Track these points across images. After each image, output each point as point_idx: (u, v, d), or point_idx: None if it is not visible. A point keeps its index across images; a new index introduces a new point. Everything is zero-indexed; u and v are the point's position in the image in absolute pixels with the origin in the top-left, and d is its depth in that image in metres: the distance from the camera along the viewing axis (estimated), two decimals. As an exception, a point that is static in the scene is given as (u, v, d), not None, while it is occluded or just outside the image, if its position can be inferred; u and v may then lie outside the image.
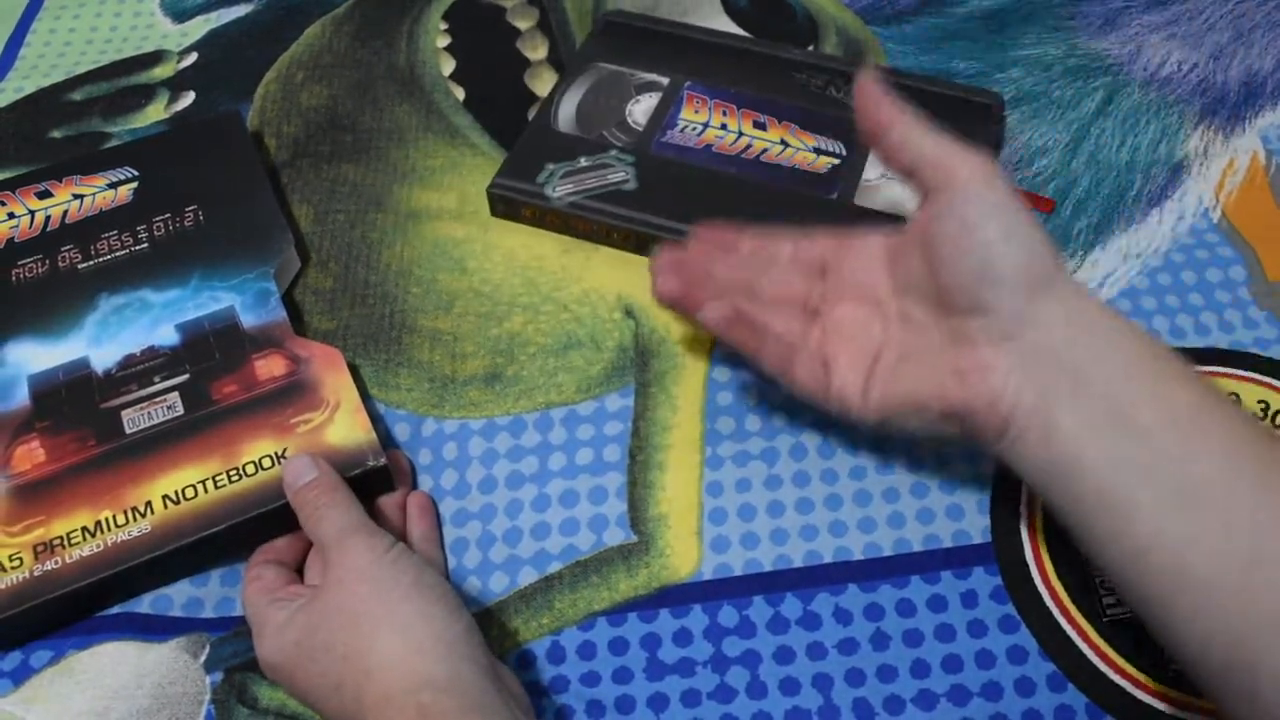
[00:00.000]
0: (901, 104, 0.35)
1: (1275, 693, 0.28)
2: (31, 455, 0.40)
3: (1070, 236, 0.48)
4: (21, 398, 0.42)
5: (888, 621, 0.38)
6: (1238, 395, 0.43)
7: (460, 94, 0.56)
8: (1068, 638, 0.38)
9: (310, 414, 0.40)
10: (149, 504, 0.39)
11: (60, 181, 0.49)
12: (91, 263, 0.46)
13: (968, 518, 0.40)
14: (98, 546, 0.38)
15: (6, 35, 0.61)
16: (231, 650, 0.38)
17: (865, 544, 0.40)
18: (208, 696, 0.38)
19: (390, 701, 0.31)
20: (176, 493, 0.39)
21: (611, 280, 0.47)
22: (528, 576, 0.40)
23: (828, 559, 0.39)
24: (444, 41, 0.59)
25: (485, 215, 0.50)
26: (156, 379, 0.42)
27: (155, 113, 0.56)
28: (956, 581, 0.39)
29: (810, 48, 0.57)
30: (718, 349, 0.45)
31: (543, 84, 0.56)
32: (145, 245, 0.46)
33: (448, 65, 0.58)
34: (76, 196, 0.48)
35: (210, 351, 0.43)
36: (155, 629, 0.39)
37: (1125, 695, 0.36)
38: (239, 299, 0.45)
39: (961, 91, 0.51)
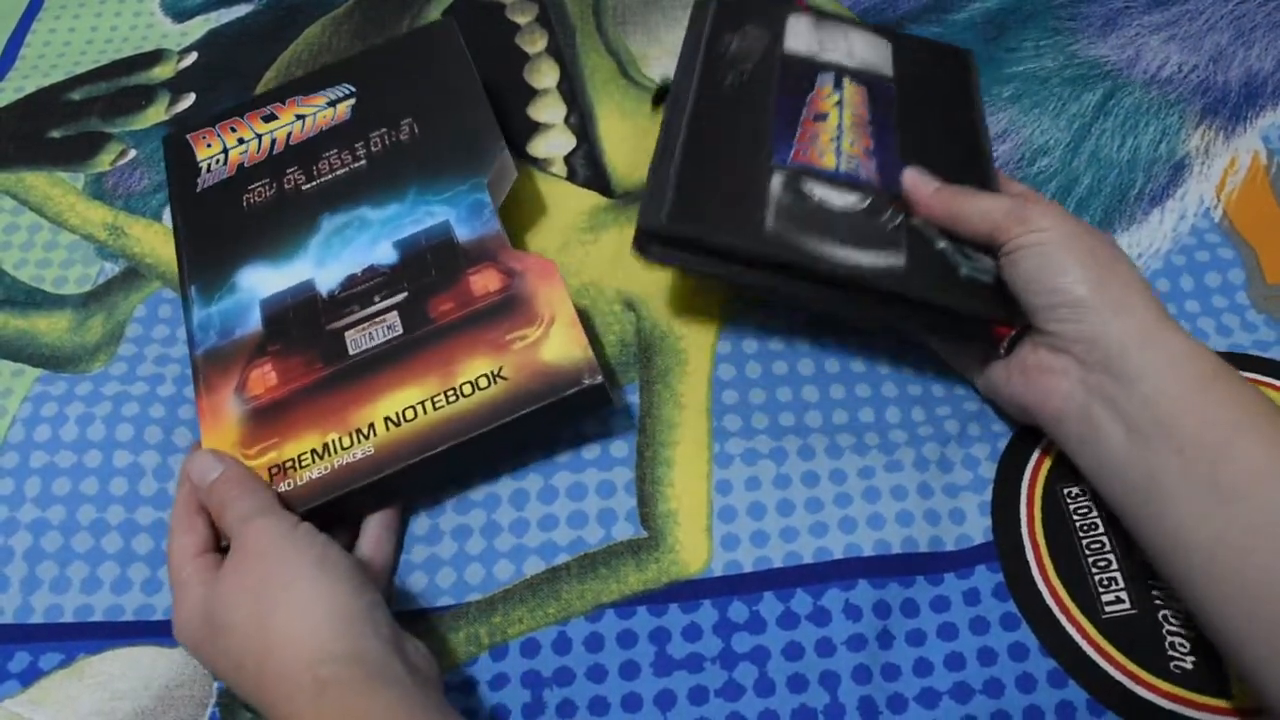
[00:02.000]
0: (946, 186, 0.41)
1: None
2: (265, 379, 0.41)
3: (1070, 236, 0.49)
4: (255, 322, 0.43)
5: (893, 620, 0.38)
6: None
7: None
8: (1068, 635, 0.38)
9: (526, 330, 0.40)
10: (371, 426, 0.39)
11: (284, 104, 0.50)
12: (314, 183, 0.46)
13: (970, 519, 0.41)
14: (326, 469, 0.39)
15: (6, 35, 0.61)
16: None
17: (875, 541, 0.40)
18: (213, 700, 0.38)
19: (287, 677, 0.32)
20: (397, 414, 0.39)
21: (611, 275, 0.48)
22: (534, 566, 0.40)
23: (838, 555, 0.40)
24: (444, 41, 0.59)
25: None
26: (376, 299, 0.42)
27: (155, 114, 0.56)
28: (959, 581, 0.39)
29: None
30: (720, 346, 0.45)
31: (542, 77, 0.56)
32: (363, 162, 0.47)
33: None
34: (299, 117, 0.49)
35: (427, 268, 0.43)
36: (168, 634, 0.39)
37: (1125, 691, 0.37)
38: (453, 212, 0.44)
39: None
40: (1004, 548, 0.40)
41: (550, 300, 0.41)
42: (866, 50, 0.50)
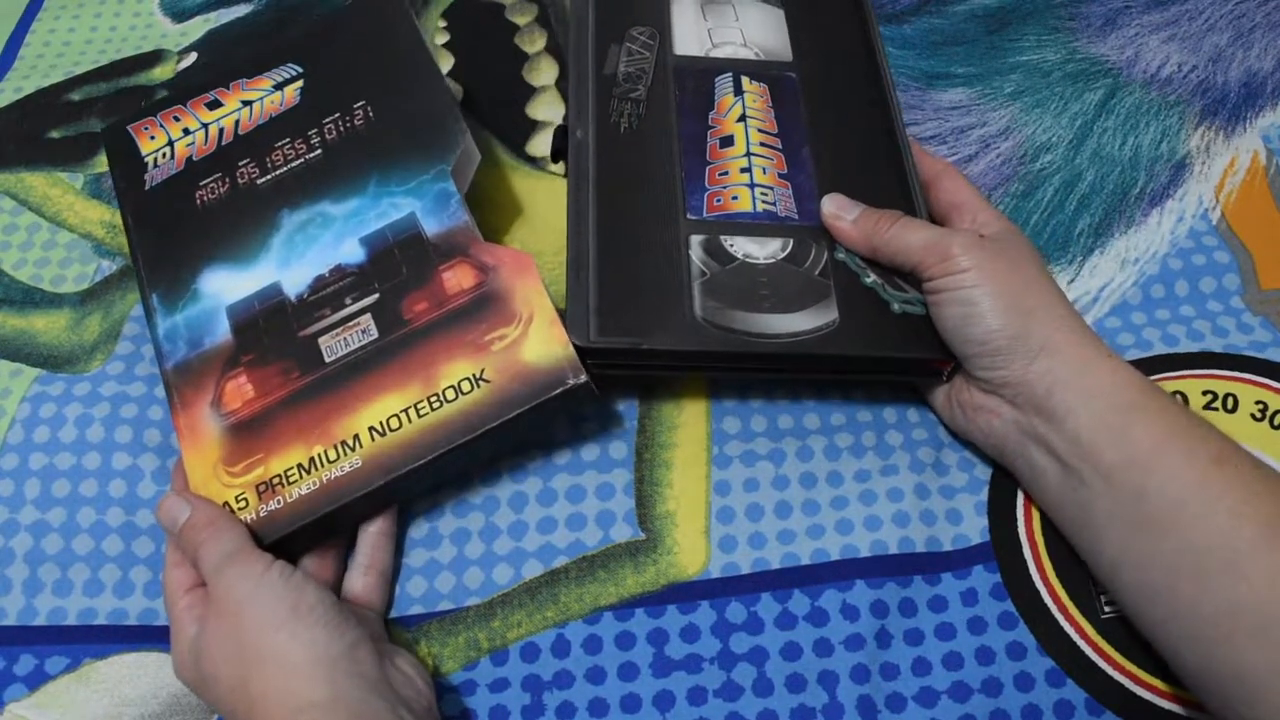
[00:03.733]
0: (865, 214, 0.41)
1: (1237, 684, 0.31)
2: (241, 391, 0.40)
3: (1072, 238, 0.49)
4: (224, 331, 0.42)
5: (891, 619, 0.38)
6: (1235, 396, 0.43)
7: (459, 91, 0.56)
8: (1066, 634, 0.38)
9: (504, 329, 0.39)
10: (357, 437, 0.38)
11: (228, 88, 0.48)
12: (269, 177, 0.45)
13: (967, 519, 0.41)
14: (315, 484, 0.38)
15: (6, 35, 0.61)
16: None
17: (872, 542, 0.40)
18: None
19: None
20: (382, 424, 0.38)
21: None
22: (533, 569, 0.40)
23: (835, 557, 0.40)
24: (443, 39, 0.59)
25: (479, 211, 0.50)
26: (348, 300, 0.41)
27: (155, 112, 0.56)
28: (956, 581, 0.39)
29: None
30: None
31: (540, 75, 0.56)
32: (319, 152, 0.45)
33: (446, 62, 0.58)
34: (245, 103, 0.47)
35: (397, 267, 0.41)
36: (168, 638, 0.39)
37: (1123, 690, 0.37)
38: (418, 204, 0.42)
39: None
40: (1001, 547, 0.40)
41: (528, 296, 0.40)
42: (760, 29, 0.48)
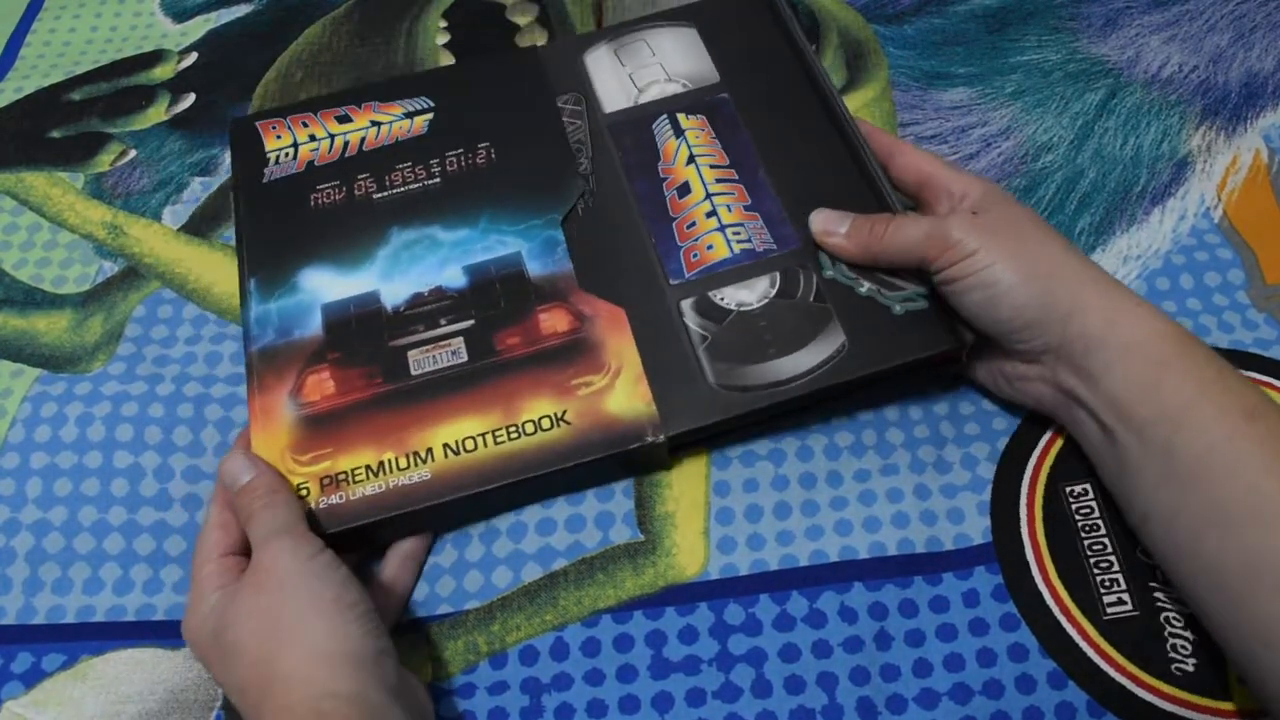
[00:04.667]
0: (855, 224, 0.41)
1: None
2: (322, 386, 0.41)
3: (1073, 236, 0.48)
4: (315, 326, 0.42)
5: (891, 621, 0.38)
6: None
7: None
8: (1068, 636, 0.38)
9: (591, 376, 0.40)
10: (430, 451, 0.39)
11: (359, 107, 0.49)
12: (386, 194, 0.46)
13: (969, 519, 0.40)
14: (380, 487, 0.38)
15: (6, 35, 0.61)
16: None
17: (870, 543, 0.40)
18: (218, 704, 0.38)
19: (289, 709, 0.31)
20: (457, 443, 0.39)
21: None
22: (532, 572, 0.40)
23: (834, 558, 0.40)
24: (443, 39, 0.59)
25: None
26: (443, 321, 0.42)
27: (156, 114, 0.56)
28: (958, 581, 0.39)
29: (814, 48, 0.57)
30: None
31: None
32: (437, 180, 0.46)
33: (447, 63, 0.58)
34: (375, 123, 0.48)
35: (496, 299, 0.43)
36: (170, 634, 0.39)
37: (1125, 692, 0.37)
38: (526, 245, 0.44)
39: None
40: (1003, 548, 0.40)
41: (619, 351, 0.41)
42: (679, 56, 0.48)
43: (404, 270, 0.44)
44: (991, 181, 0.40)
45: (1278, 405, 0.34)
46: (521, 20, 0.60)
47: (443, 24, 0.60)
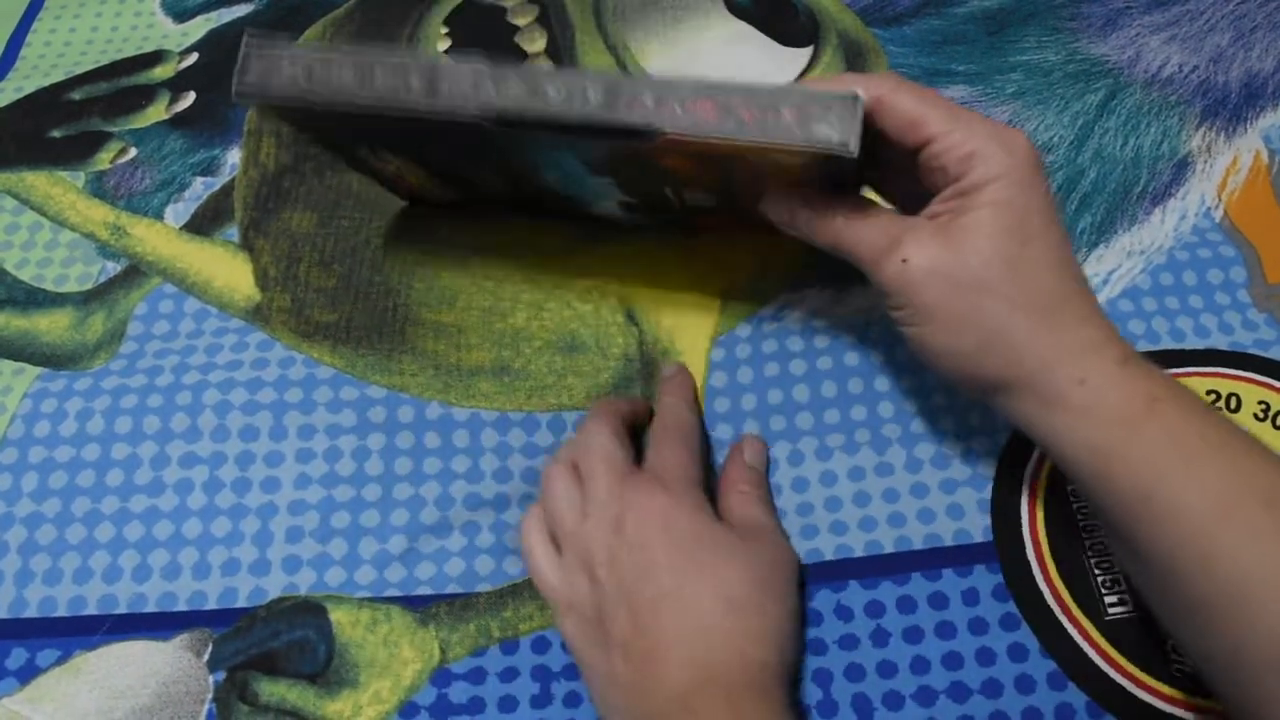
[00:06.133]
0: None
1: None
2: None
3: (1074, 236, 0.48)
4: None
5: (888, 618, 0.38)
6: (1239, 396, 0.43)
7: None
8: (1069, 636, 0.38)
9: None
10: None
11: None
12: None
13: (968, 516, 0.40)
14: None
15: (6, 35, 0.61)
16: (234, 648, 0.39)
17: (867, 542, 0.40)
18: (210, 695, 0.38)
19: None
20: None
21: (613, 278, 0.48)
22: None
23: (829, 557, 0.39)
24: (444, 45, 0.59)
25: (487, 211, 0.50)
26: None
27: (156, 113, 0.56)
28: (957, 579, 0.39)
29: (812, 49, 0.57)
30: (714, 353, 0.45)
31: (540, 76, 0.57)
32: None
33: (448, 65, 0.58)
34: None
35: None
36: (160, 625, 0.39)
37: (1125, 694, 0.36)
38: None
39: None
40: (1004, 547, 0.40)
41: None
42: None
43: None
44: (1013, 150, 0.32)
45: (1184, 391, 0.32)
46: (522, 21, 0.60)
47: (444, 30, 0.60)
